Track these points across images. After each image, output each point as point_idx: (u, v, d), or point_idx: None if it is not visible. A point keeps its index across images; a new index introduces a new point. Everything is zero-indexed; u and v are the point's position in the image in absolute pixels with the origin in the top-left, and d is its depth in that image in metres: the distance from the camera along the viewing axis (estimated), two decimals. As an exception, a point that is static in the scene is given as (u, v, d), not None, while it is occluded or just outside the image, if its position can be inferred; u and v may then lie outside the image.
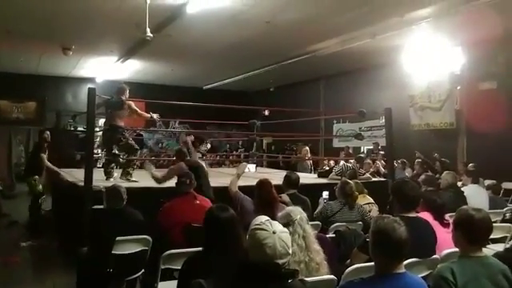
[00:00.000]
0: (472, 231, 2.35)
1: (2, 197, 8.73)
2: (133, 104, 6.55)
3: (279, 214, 2.79)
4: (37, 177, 7.32)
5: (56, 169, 7.33)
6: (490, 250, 2.92)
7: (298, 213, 2.69)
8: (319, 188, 5.70)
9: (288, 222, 2.59)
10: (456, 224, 2.45)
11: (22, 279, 5.25)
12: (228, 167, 10.68)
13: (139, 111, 6.79)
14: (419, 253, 2.78)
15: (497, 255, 2.54)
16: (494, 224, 2.68)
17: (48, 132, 7.68)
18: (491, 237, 2.69)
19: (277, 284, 1.90)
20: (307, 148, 11.07)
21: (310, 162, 10.73)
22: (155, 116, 6.98)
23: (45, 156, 7.37)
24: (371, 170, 8.52)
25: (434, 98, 9.55)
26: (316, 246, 2.64)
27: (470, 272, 2.25)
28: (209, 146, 10.00)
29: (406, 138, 9.78)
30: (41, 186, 7.40)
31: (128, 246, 3.74)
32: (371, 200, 5.15)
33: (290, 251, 1.99)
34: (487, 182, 6.63)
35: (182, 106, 9.00)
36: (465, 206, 2.62)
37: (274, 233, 1.94)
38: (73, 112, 11.72)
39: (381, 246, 2.16)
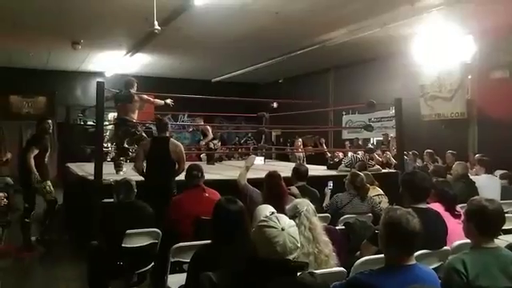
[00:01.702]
0: (484, 222, 2.32)
1: (14, 191, 8.79)
2: (144, 95, 6.62)
3: (287, 207, 2.79)
4: (49, 182, 6.11)
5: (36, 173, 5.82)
6: (502, 241, 2.89)
7: (305, 205, 2.68)
8: (328, 180, 5.70)
9: (295, 214, 2.58)
10: (468, 215, 2.41)
11: (34, 273, 5.33)
12: (237, 160, 10.69)
13: (151, 99, 6.89)
14: (430, 244, 2.76)
15: (509, 246, 2.51)
16: (506, 215, 2.64)
17: (50, 121, 6.30)
18: (503, 227, 2.64)
19: (286, 277, 1.89)
20: (300, 140, 12.13)
21: (302, 154, 11.40)
22: (169, 101, 7.04)
23: (35, 153, 5.85)
24: (381, 160, 8.48)
25: (444, 87, 9.41)
26: (324, 238, 2.63)
27: (481, 263, 2.23)
28: (219, 144, 10.27)
29: (417, 128, 9.67)
30: (53, 192, 6.18)
31: (138, 239, 3.76)
32: (381, 191, 5.14)
33: (299, 244, 1.97)
34: (499, 172, 6.53)
35: (191, 99, 9.01)
36: (477, 197, 2.58)
37: (282, 229, 1.91)
38: (82, 106, 11.75)
39: (394, 237, 2.14)
